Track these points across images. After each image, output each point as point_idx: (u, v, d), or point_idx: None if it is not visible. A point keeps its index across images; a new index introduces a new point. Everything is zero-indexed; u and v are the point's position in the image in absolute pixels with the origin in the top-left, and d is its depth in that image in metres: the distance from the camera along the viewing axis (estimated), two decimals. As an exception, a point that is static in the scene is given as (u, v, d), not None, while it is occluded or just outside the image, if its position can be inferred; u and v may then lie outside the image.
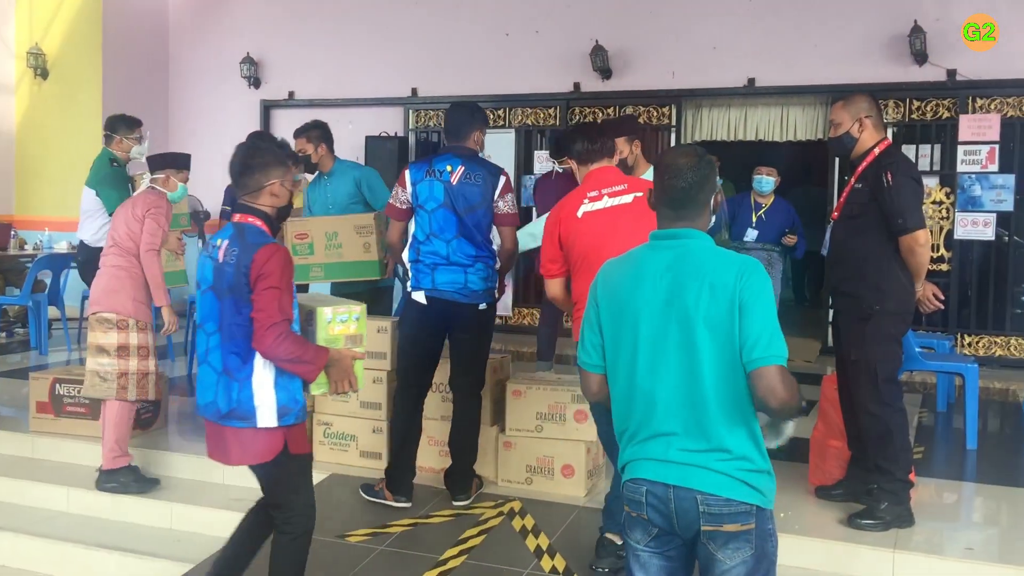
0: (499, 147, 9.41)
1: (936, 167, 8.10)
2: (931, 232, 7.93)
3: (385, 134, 9.64)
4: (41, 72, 10.51)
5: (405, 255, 4.44)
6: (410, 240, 4.40)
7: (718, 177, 2.54)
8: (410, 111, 9.91)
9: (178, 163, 5.14)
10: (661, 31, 8.88)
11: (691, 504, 2.27)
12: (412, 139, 9.91)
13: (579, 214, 3.76)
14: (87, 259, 5.98)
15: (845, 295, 4.14)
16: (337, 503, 4.51)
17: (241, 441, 3.15)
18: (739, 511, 2.25)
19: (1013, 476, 5.04)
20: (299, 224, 5.61)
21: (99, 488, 4.86)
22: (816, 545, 3.91)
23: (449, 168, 4.30)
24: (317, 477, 4.67)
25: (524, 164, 9.43)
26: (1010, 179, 7.79)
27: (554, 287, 3.91)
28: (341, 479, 4.76)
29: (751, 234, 7.29)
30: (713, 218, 2.52)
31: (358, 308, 3.36)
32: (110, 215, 5.92)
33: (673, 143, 8.90)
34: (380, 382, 4.82)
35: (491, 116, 9.56)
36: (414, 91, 9.88)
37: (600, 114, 9.04)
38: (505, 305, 9.22)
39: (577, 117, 9.18)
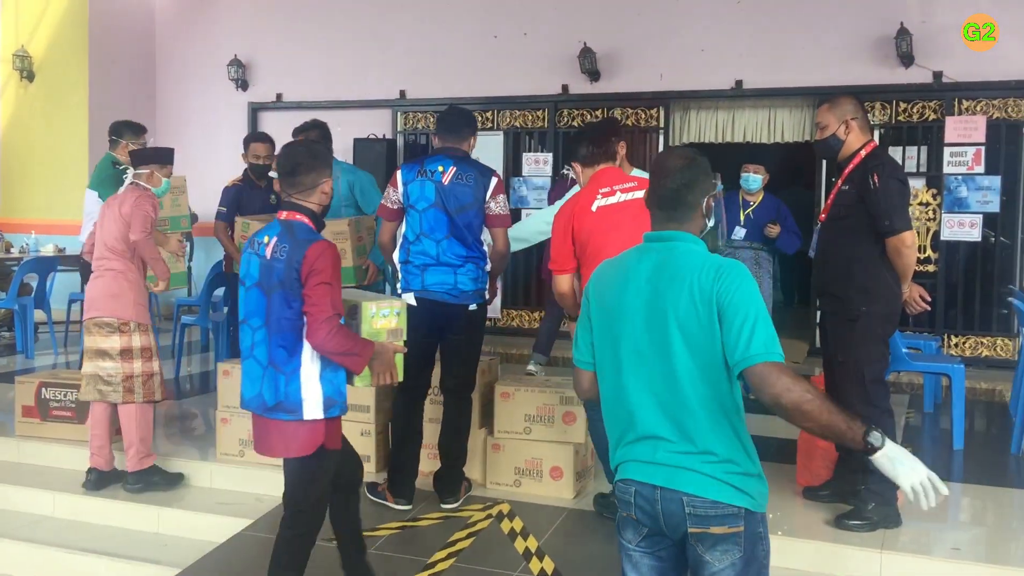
0: (487, 149, 9.39)
1: (922, 169, 8.14)
2: (918, 233, 7.96)
3: (373, 136, 9.63)
4: (27, 75, 10.46)
5: (395, 256, 4.43)
6: (400, 241, 4.40)
7: (718, 181, 2.51)
8: (398, 113, 9.90)
9: (162, 158, 5.07)
10: (649, 33, 8.90)
11: (677, 506, 2.26)
12: (400, 141, 9.90)
13: (593, 208, 3.94)
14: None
15: (832, 296, 4.15)
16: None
17: (286, 434, 3.22)
18: (726, 513, 2.24)
19: (999, 476, 5.06)
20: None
21: (127, 490, 4.84)
22: (804, 546, 3.92)
23: (441, 168, 4.30)
24: (305, 480, 4.68)
25: (513, 166, 9.43)
26: (996, 180, 7.83)
27: (564, 283, 4.00)
28: (329, 482, 4.74)
29: (739, 232, 7.26)
30: (711, 221, 2.49)
31: (398, 303, 3.52)
32: None
33: (661, 145, 8.94)
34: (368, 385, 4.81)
35: (480, 118, 9.54)
36: (402, 93, 9.87)
37: (588, 116, 9.06)
38: (494, 307, 9.22)
39: (565, 119, 9.19)
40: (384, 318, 3.45)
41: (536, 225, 5.68)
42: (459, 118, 4.51)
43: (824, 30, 8.31)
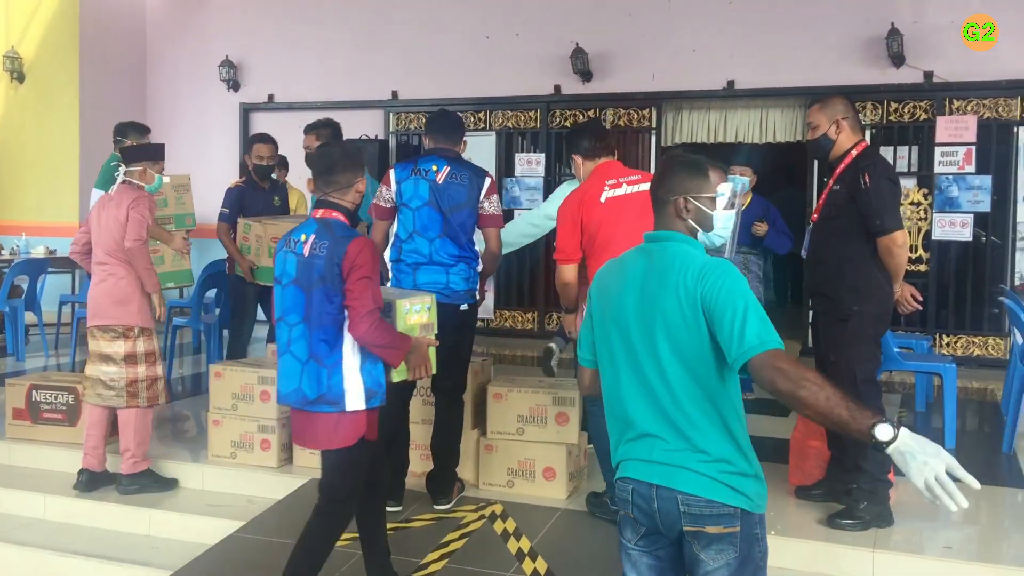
0: (480, 150, 9.39)
1: (914, 168, 8.17)
2: (909, 233, 7.98)
3: (366, 137, 9.62)
4: (17, 76, 10.42)
5: (387, 255, 4.42)
6: (392, 239, 4.39)
7: (721, 189, 2.43)
8: (390, 114, 9.89)
9: (154, 154, 5.02)
10: (641, 34, 8.91)
11: (672, 504, 2.27)
12: (392, 142, 9.90)
13: (602, 200, 4.03)
14: None
15: (824, 296, 4.16)
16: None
17: (329, 425, 3.30)
18: (722, 513, 2.24)
19: (991, 475, 5.07)
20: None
21: (120, 492, 4.83)
22: (796, 545, 3.92)
23: (435, 168, 4.31)
24: (296, 482, 4.69)
25: (505, 167, 9.42)
26: (987, 180, 7.85)
27: (571, 272, 4.09)
28: (321, 484, 4.72)
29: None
30: (714, 229, 2.42)
31: (429, 299, 3.69)
32: None
33: (653, 145, 8.95)
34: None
35: (472, 119, 9.57)
36: (394, 94, 9.86)
37: (581, 116, 9.05)
38: (487, 308, 9.22)
39: (558, 120, 9.19)
40: (416, 313, 3.60)
41: (521, 228, 5.67)
42: (453, 121, 4.55)
43: (816, 30, 8.33)
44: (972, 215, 7.88)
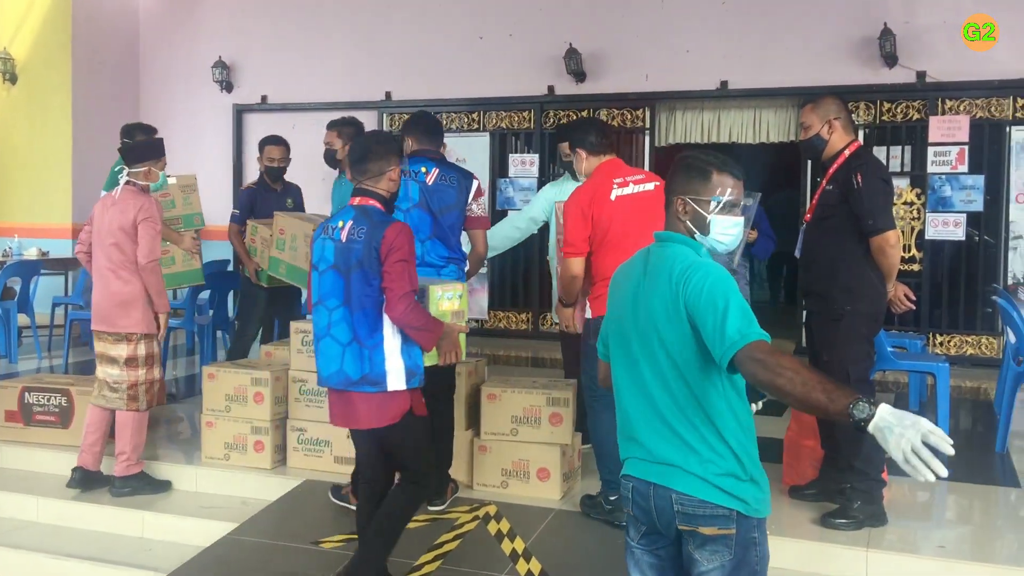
0: (474, 150, 9.41)
1: (907, 168, 8.18)
2: (902, 233, 8.01)
3: (359, 138, 9.58)
4: (9, 77, 10.38)
5: None
6: None
7: (718, 194, 2.42)
8: (384, 115, 9.88)
9: (156, 153, 4.98)
10: (634, 34, 8.91)
11: (667, 503, 2.28)
12: (386, 143, 9.86)
13: (612, 197, 4.13)
14: None
15: (817, 296, 4.16)
16: (312, 509, 4.48)
17: (372, 405, 3.41)
18: (716, 514, 2.25)
19: (984, 474, 5.08)
20: (282, 221, 5.71)
21: (114, 495, 4.82)
22: (790, 545, 3.92)
23: (424, 169, 4.32)
24: (290, 483, 4.68)
25: (499, 167, 9.42)
26: (979, 180, 7.87)
27: (578, 266, 4.16)
28: (316, 485, 4.72)
29: None
30: (710, 233, 2.41)
31: (461, 287, 3.82)
32: None
33: (647, 146, 8.96)
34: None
35: (465, 119, 9.57)
36: (388, 95, 9.85)
37: (575, 117, 9.04)
38: (481, 308, 9.22)
39: (552, 120, 9.19)
40: (449, 300, 3.73)
41: (506, 231, 5.64)
42: (434, 121, 4.59)
43: (808, 31, 8.34)
44: (965, 215, 7.90)
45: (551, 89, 9.20)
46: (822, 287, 4.10)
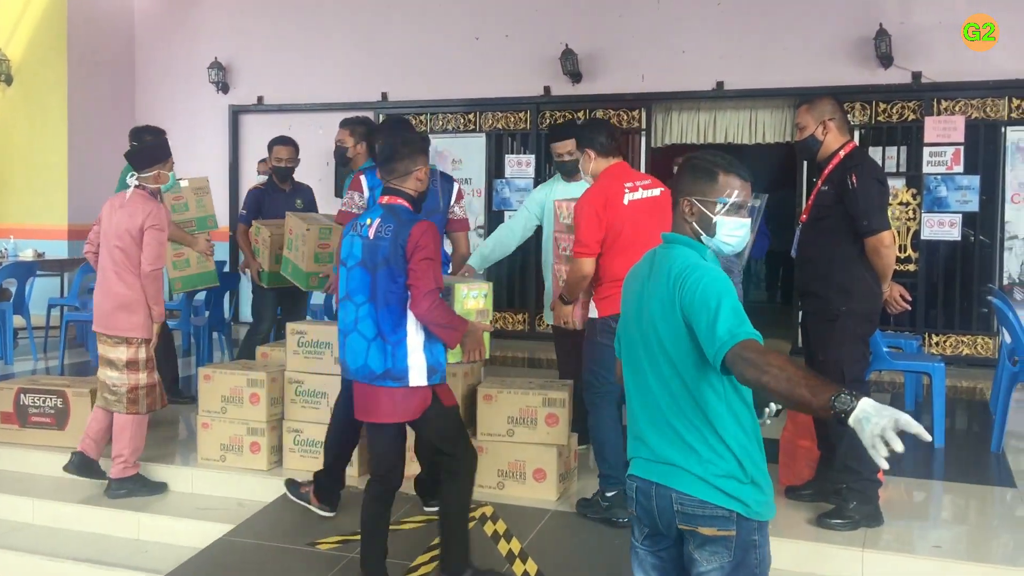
0: (470, 151, 9.42)
1: (902, 168, 8.19)
2: (898, 233, 8.02)
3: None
4: (5, 78, 10.37)
5: None
6: None
7: (726, 195, 2.41)
8: (380, 116, 9.86)
9: (163, 155, 4.97)
10: (630, 35, 8.92)
11: (668, 503, 2.29)
12: (383, 144, 9.86)
13: (625, 202, 4.25)
14: None
15: (812, 296, 4.17)
16: (307, 510, 4.46)
17: (394, 399, 3.49)
18: (716, 515, 2.25)
19: (980, 474, 5.09)
20: (291, 221, 5.75)
21: (110, 496, 4.81)
22: (786, 545, 3.92)
23: None
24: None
25: (495, 168, 9.42)
26: (975, 180, 7.88)
27: (590, 266, 4.25)
28: (311, 486, 4.71)
29: None
30: (717, 236, 2.40)
31: (486, 286, 3.89)
32: None
33: (643, 146, 8.97)
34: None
35: (462, 120, 9.57)
36: (384, 96, 9.85)
37: (571, 118, 9.05)
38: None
39: (548, 121, 9.19)
40: (474, 299, 3.79)
41: (503, 241, 5.60)
42: (410, 128, 4.58)
43: (804, 31, 8.35)
44: (960, 215, 7.92)
45: (547, 90, 9.21)
46: (817, 287, 4.11)
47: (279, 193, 6.51)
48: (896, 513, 4.23)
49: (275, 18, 10.31)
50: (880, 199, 4.00)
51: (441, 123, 9.70)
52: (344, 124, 5.71)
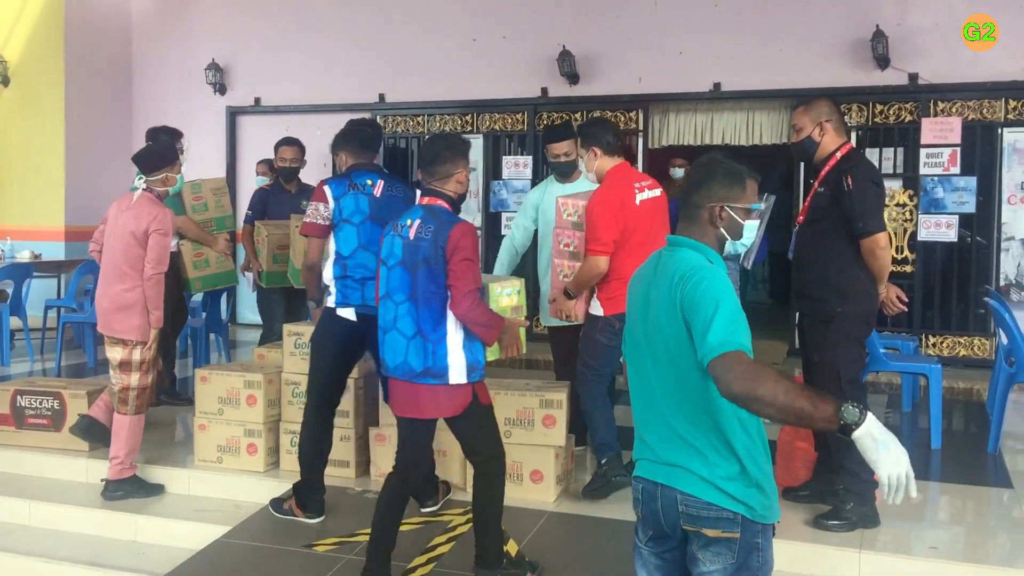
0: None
1: (899, 170, 8.21)
2: (895, 234, 8.03)
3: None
4: (2, 79, 10.37)
5: (329, 273, 4.33)
6: (332, 256, 4.32)
7: (764, 202, 2.43)
8: (377, 117, 9.87)
9: (171, 158, 4.98)
10: (628, 36, 8.92)
11: (672, 504, 2.29)
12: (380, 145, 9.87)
13: (637, 202, 4.40)
14: None
15: (808, 298, 4.17)
16: (304, 512, 4.46)
17: (435, 396, 3.55)
18: (721, 517, 2.25)
19: (977, 475, 5.10)
20: (296, 220, 5.77)
21: (106, 498, 4.81)
22: (783, 546, 3.90)
23: (370, 182, 4.32)
24: (283, 486, 4.66)
25: (493, 169, 9.42)
26: (972, 181, 7.90)
27: (605, 264, 4.36)
28: (308, 488, 4.71)
29: None
30: (742, 240, 2.42)
31: (518, 282, 4.00)
32: None
33: (640, 147, 8.97)
34: (348, 390, 4.79)
35: (459, 121, 9.57)
36: (381, 97, 9.85)
37: (568, 119, 9.05)
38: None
39: (545, 122, 9.20)
40: (508, 296, 3.88)
41: (510, 253, 5.62)
42: (371, 135, 4.57)
43: (801, 33, 8.36)
44: (957, 216, 7.93)
45: (544, 91, 9.22)
46: (814, 289, 4.11)
47: (284, 194, 6.52)
48: (893, 514, 4.23)
49: (272, 19, 10.31)
50: (876, 201, 4.00)
51: (438, 124, 9.70)
52: (349, 125, 5.74)
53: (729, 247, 2.43)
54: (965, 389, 7.19)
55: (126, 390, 4.78)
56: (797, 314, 4.73)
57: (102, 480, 4.86)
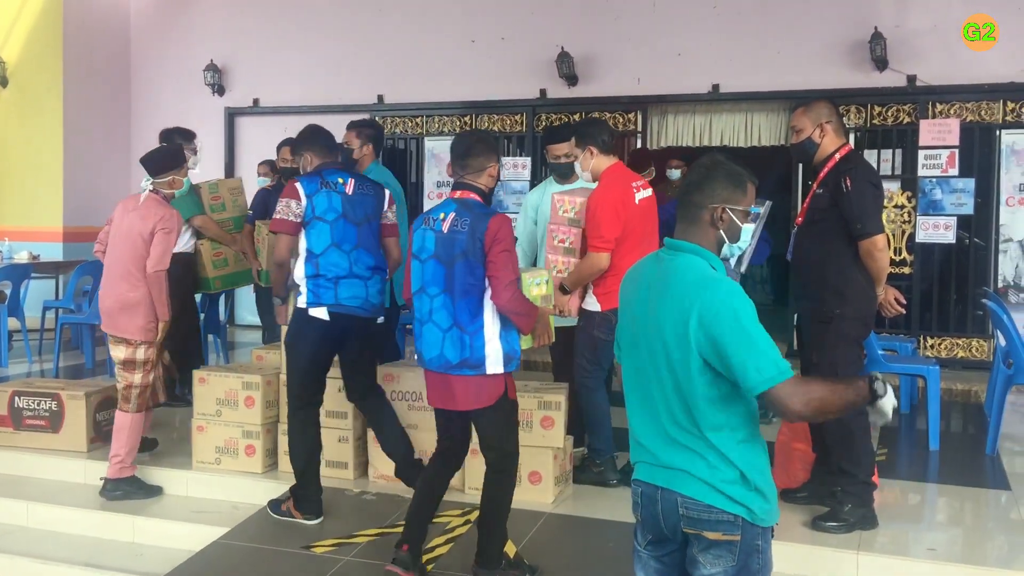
0: (466, 154, 9.38)
1: (897, 171, 8.22)
2: (893, 236, 8.04)
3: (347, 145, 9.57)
4: (1, 80, 10.35)
5: (300, 271, 4.30)
6: (303, 255, 4.30)
7: (761, 208, 2.45)
8: (376, 118, 9.86)
9: (177, 161, 5.01)
10: (626, 38, 8.93)
11: (673, 507, 2.30)
12: (378, 146, 9.87)
13: (636, 201, 4.53)
14: None
15: (807, 299, 4.17)
16: (303, 513, 4.46)
17: (471, 387, 3.57)
18: (722, 519, 2.26)
19: (975, 477, 5.10)
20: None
21: (105, 497, 4.81)
22: (781, 548, 3.89)
23: (341, 180, 4.32)
24: (282, 487, 4.66)
25: (491, 171, 9.40)
26: (970, 183, 7.90)
27: (608, 260, 4.45)
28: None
29: None
30: (738, 243, 2.42)
31: (546, 272, 4.12)
32: (187, 220, 6.04)
33: (639, 149, 8.96)
34: (344, 391, 4.80)
35: (458, 123, 9.57)
36: (380, 98, 9.85)
37: (567, 120, 9.04)
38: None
39: (544, 123, 9.20)
40: (537, 286, 3.92)
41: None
42: (329, 135, 4.58)
43: (799, 34, 8.37)
44: (955, 218, 7.94)
45: (543, 92, 9.22)
46: (812, 290, 4.11)
47: None
48: (891, 516, 4.23)
49: (271, 20, 10.31)
50: (874, 203, 4.00)
51: (437, 125, 9.70)
52: (351, 127, 5.78)
53: (726, 249, 2.42)
54: (963, 391, 7.19)
55: (129, 388, 4.80)
56: (796, 315, 4.73)
57: (101, 479, 4.86)
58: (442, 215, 3.60)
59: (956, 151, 7.90)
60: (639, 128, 8.99)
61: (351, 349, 4.43)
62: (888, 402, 2.24)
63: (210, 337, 7.93)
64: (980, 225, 8.00)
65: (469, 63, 9.44)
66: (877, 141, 8.29)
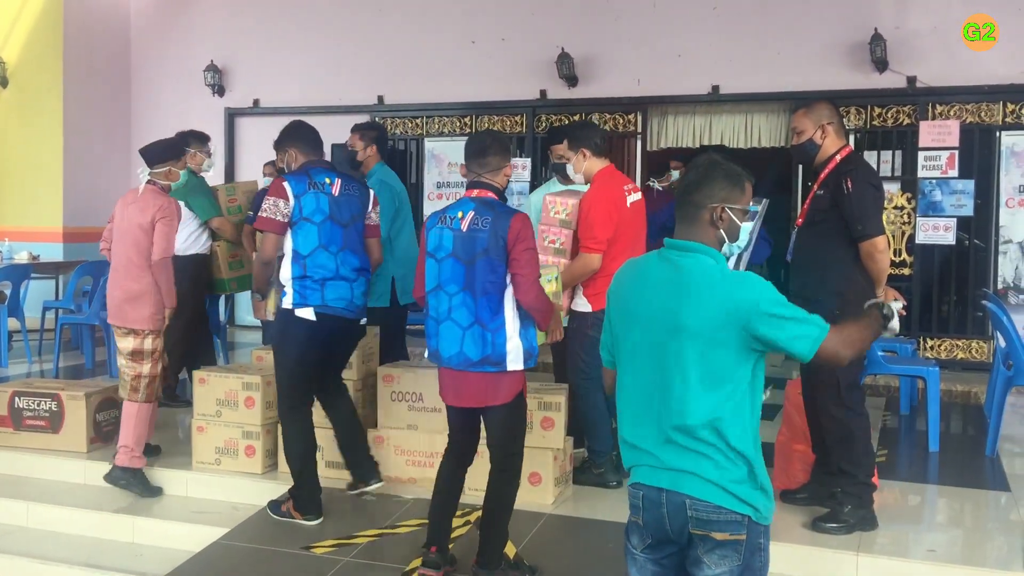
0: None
1: (897, 173, 8.22)
2: (893, 237, 8.04)
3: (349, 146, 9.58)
4: (1, 80, 10.35)
5: (286, 272, 4.28)
6: (289, 255, 4.27)
7: (759, 207, 2.48)
8: (376, 119, 9.86)
9: (175, 153, 5.06)
10: (626, 39, 8.93)
11: (680, 508, 2.29)
12: (378, 147, 9.86)
13: (628, 204, 4.60)
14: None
15: (806, 300, 4.15)
16: (302, 514, 4.46)
17: (491, 384, 3.58)
18: (730, 520, 2.26)
19: (975, 478, 5.10)
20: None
21: (109, 481, 4.83)
22: (780, 549, 3.90)
23: (328, 180, 4.30)
24: (281, 488, 4.66)
25: (491, 171, 9.40)
26: (970, 184, 7.91)
27: (600, 261, 4.50)
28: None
29: None
30: (738, 241, 2.44)
31: (554, 270, 4.20)
32: (204, 221, 6.17)
33: (639, 150, 8.98)
34: (348, 391, 4.79)
35: (458, 123, 9.58)
36: (380, 98, 9.85)
37: (567, 121, 9.04)
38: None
39: (544, 124, 9.20)
40: (548, 283, 3.96)
41: None
42: (315, 132, 4.56)
43: (800, 36, 8.37)
44: (955, 219, 7.94)
45: (543, 93, 9.22)
46: (812, 291, 4.10)
47: None
48: (891, 517, 4.23)
49: (271, 21, 10.31)
50: (874, 204, 4.00)
51: (437, 126, 9.71)
52: (355, 129, 5.79)
53: (725, 248, 2.43)
54: (963, 392, 7.19)
55: (138, 378, 4.83)
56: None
57: (110, 463, 4.88)
58: (460, 213, 3.59)
59: (956, 152, 7.90)
60: (639, 129, 9.00)
61: (336, 351, 4.44)
62: (896, 320, 2.64)
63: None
64: (980, 226, 8.00)
65: (469, 64, 9.45)
66: (877, 142, 8.29)
